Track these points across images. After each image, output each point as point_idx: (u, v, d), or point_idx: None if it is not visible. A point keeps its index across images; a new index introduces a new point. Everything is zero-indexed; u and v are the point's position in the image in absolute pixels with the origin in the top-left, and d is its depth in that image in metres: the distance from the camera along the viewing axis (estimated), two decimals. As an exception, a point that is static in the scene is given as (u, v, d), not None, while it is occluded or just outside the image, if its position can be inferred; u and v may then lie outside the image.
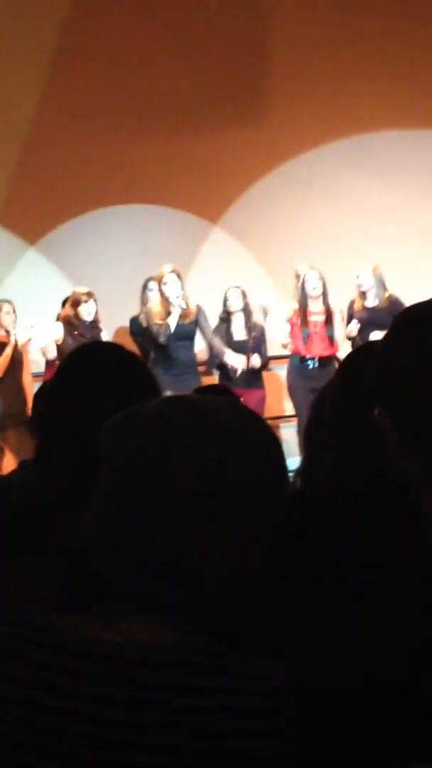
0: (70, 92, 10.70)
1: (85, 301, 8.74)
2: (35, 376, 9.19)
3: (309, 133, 10.95)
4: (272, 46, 10.93)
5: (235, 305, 9.29)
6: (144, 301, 9.49)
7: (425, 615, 1.44)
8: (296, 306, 9.26)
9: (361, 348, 2.06)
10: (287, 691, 1.31)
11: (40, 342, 8.97)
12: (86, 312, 8.72)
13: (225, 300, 9.33)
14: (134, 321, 9.53)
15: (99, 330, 8.79)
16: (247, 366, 9.14)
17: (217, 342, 9.09)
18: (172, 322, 8.80)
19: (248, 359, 9.13)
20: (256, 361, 9.14)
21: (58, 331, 8.87)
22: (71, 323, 8.73)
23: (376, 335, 8.66)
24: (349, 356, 2.04)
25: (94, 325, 8.76)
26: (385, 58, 10.81)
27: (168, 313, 8.82)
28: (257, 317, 9.36)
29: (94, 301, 8.82)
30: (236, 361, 9.07)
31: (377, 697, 1.43)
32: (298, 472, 2.08)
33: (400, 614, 1.45)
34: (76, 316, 8.72)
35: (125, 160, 10.71)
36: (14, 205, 10.79)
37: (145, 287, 9.55)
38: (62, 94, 10.70)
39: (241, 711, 1.28)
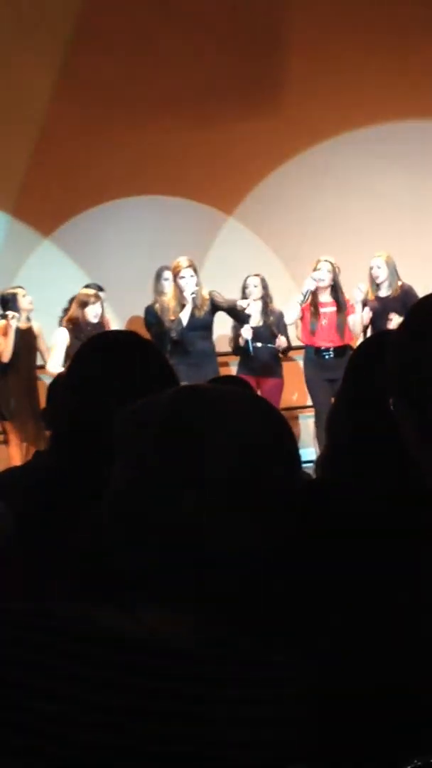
0: (85, 84, 10.70)
1: (93, 303, 8.74)
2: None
3: (324, 124, 10.93)
4: (288, 37, 10.91)
5: (254, 293, 9.28)
6: (158, 290, 9.48)
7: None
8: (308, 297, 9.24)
9: (375, 337, 2.06)
10: (303, 679, 1.31)
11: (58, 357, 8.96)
12: (93, 314, 8.70)
13: (244, 288, 9.32)
14: (149, 311, 9.51)
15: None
16: (277, 346, 9.13)
17: (237, 302, 9.06)
18: (184, 317, 8.80)
19: (273, 341, 9.14)
20: (282, 341, 9.13)
21: (64, 338, 8.86)
22: (77, 325, 8.71)
23: (396, 322, 8.67)
24: (361, 345, 2.04)
25: (101, 326, 8.75)
26: (401, 48, 10.79)
27: (181, 307, 8.82)
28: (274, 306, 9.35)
29: (101, 303, 8.83)
30: (245, 331, 9.06)
31: (393, 689, 1.43)
32: (319, 461, 2.07)
33: (423, 605, 1.44)
34: (83, 317, 8.70)
35: (140, 152, 10.71)
36: (28, 196, 10.80)
37: (158, 276, 9.54)
38: (76, 86, 10.71)
39: (257, 700, 1.28)
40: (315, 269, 9.23)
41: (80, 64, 10.72)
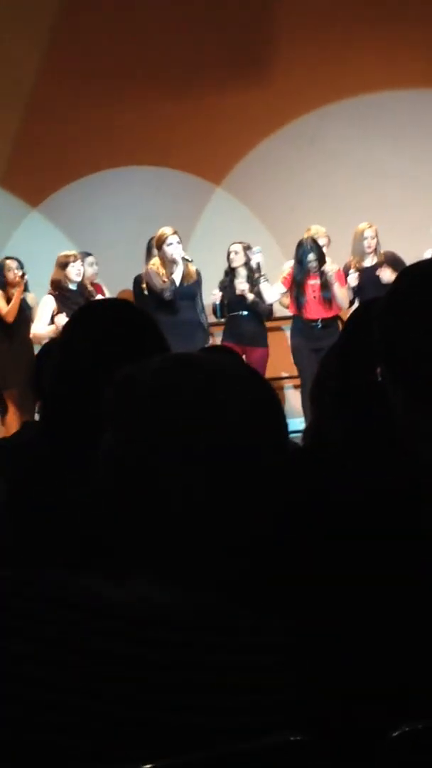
0: (73, 54, 10.64)
1: (73, 262, 8.72)
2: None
3: (313, 94, 10.89)
4: (276, 6, 10.85)
5: (237, 260, 9.29)
6: (147, 262, 9.45)
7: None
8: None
9: (364, 306, 2.06)
10: (297, 647, 1.32)
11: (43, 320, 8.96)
12: (74, 273, 8.69)
13: (228, 254, 9.34)
14: (138, 282, 9.49)
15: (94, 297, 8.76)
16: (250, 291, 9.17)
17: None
18: (177, 277, 8.77)
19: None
20: (265, 288, 9.15)
21: (47, 302, 8.84)
22: (61, 287, 8.70)
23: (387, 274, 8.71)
24: (352, 315, 2.04)
25: (84, 288, 8.72)
26: (390, 18, 10.73)
27: (171, 273, 8.79)
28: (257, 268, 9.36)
29: (83, 262, 8.81)
30: (240, 284, 9.08)
31: (386, 658, 1.43)
32: (307, 430, 2.08)
33: (413, 573, 1.45)
34: (65, 278, 8.69)
35: (128, 122, 10.67)
36: (17, 167, 10.76)
37: (149, 248, 9.51)
38: (64, 56, 10.65)
39: (252, 667, 1.29)
40: (300, 246, 9.19)
41: (68, 36, 10.65)
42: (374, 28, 10.75)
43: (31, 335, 8.94)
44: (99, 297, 8.76)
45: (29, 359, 8.95)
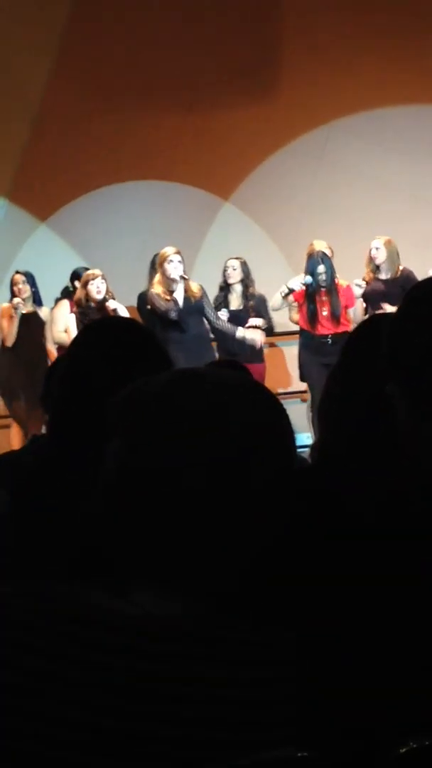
0: (82, 68, 10.68)
1: (92, 279, 8.78)
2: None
3: (321, 109, 10.91)
4: (285, 22, 10.89)
5: (234, 276, 9.29)
6: (152, 278, 9.45)
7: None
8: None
9: (369, 321, 2.06)
10: (298, 661, 1.31)
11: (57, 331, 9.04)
12: (95, 290, 8.74)
13: (224, 270, 9.33)
14: (142, 298, 9.51)
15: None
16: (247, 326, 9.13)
17: (223, 324, 9.06)
18: (179, 296, 8.77)
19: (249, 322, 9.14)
20: (257, 321, 9.10)
21: (64, 313, 8.93)
22: (82, 305, 8.76)
23: (387, 309, 8.66)
24: (357, 330, 2.04)
25: (105, 308, 8.77)
26: (398, 33, 10.76)
27: (171, 291, 8.79)
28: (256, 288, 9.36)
29: (104, 279, 8.85)
30: (253, 336, 9.04)
31: (388, 672, 1.43)
32: (314, 446, 2.07)
33: (418, 588, 1.45)
34: (87, 296, 8.75)
35: (137, 137, 10.70)
36: (25, 181, 10.79)
37: (153, 265, 9.52)
38: (73, 71, 10.69)
39: (252, 681, 1.28)
40: (310, 257, 9.20)
41: (77, 50, 10.69)
42: (381, 43, 10.78)
43: (53, 343, 9.01)
44: (111, 303, 8.82)
45: (38, 372, 8.99)
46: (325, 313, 9.09)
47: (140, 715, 1.25)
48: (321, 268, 9.06)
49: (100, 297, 8.75)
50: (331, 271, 9.08)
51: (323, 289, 9.08)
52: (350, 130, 10.96)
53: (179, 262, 8.81)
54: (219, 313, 9.10)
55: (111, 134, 10.65)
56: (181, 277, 8.77)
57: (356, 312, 9.13)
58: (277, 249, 10.69)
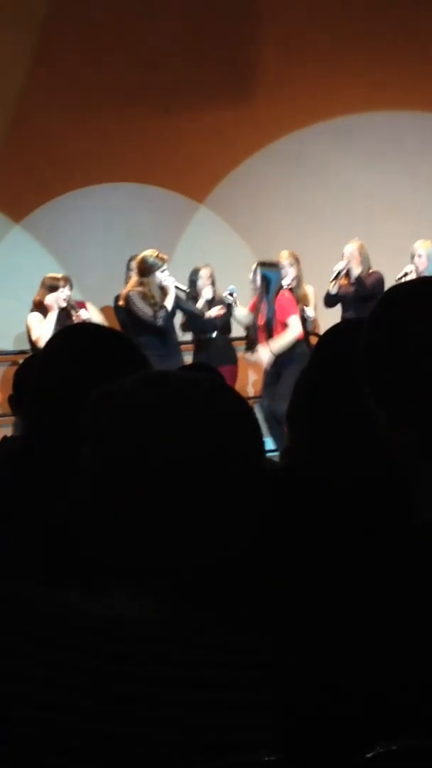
0: (57, 71, 10.65)
1: (62, 287, 8.73)
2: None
3: (295, 114, 10.93)
4: (260, 27, 10.90)
5: (201, 284, 9.35)
6: (128, 280, 9.41)
7: (416, 591, 1.44)
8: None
9: (337, 327, 2.07)
10: (275, 664, 1.32)
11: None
12: (62, 297, 8.66)
13: (190, 278, 9.37)
14: (117, 300, 9.46)
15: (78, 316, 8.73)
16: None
17: (193, 307, 9.12)
18: (169, 304, 8.71)
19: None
20: (265, 359, 9.04)
21: (36, 321, 8.84)
22: (44, 310, 8.69)
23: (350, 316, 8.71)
24: (324, 335, 2.04)
25: (70, 310, 8.70)
26: (376, 39, 10.79)
27: (163, 297, 8.75)
28: (224, 297, 9.38)
29: (70, 287, 8.78)
30: (263, 356, 9.02)
31: (367, 674, 1.44)
32: (284, 450, 2.08)
33: (390, 591, 1.45)
34: (52, 302, 8.66)
35: (112, 138, 10.68)
36: (0, 182, 10.74)
37: (130, 267, 9.49)
38: (49, 74, 10.65)
39: (229, 684, 1.29)
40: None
41: (53, 53, 10.66)
42: (357, 50, 10.81)
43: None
44: (82, 313, 8.75)
45: None
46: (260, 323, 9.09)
47: (113, 717, 1.25)
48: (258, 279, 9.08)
49: (64, 305, 8.66)
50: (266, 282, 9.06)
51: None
52: (326, 136, 10.99)
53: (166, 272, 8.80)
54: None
55: (86, 136, 10.62)
56: (178, 288, 8.76)
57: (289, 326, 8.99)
58: (252, 252, 10.69)
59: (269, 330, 8.94)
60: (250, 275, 9.11)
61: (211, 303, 9.37)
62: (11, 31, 10.53)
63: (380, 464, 1.61)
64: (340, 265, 9.32)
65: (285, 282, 9.05)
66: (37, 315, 8.75)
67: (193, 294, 9.31)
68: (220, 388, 1.44)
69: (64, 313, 8.66)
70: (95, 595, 1.33)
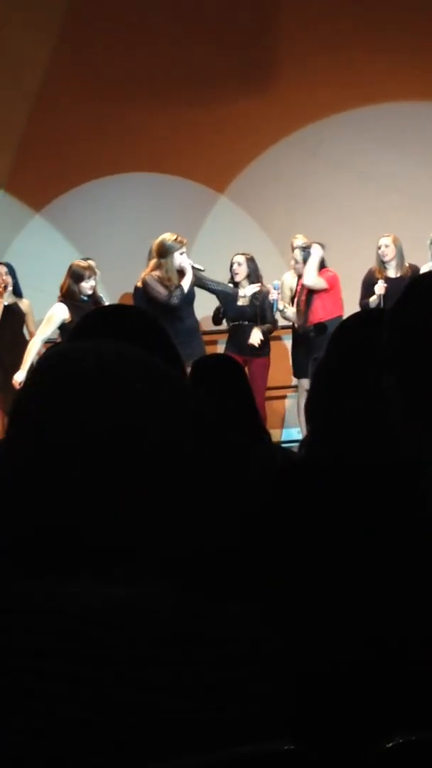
0: (79, 61, 10.66)
1: (88, 277, 8.69)
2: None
3: (317, 104, 10.90)
4: (281, 17, 10.87)
5: (241, 272, 9.25)
6: (152, 265, 9.37)
7: (425, 588, 1.44)
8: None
9: (355, 317, 2.05)
10: (277, 656, 1.31)
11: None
12: (88, 287, 8.64)
13: (231, 265, 9.30)
14: (138, 290, 9.44)
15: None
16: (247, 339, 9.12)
17: (224, 286, 9.02)
18: (186, 284, 8.63)
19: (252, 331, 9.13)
20: (255, 338, 9.09)
21: (63, 314, 8.82)
22: (73, 297, 8.65)
23: None
24: (342, 325, 2.03)
25: (94, 301, 8.70)
26: (394, 29, 10.76)
27: (181, 277, 8.69)
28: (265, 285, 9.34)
29: (95, 276, 8.77)
30: (255, 338, 9.06)
31: (372, 666, 1.43)
32: (303, 442, 2.08)
33: (396, 585, 1.45)
34: (79, 290, 8.64)
35: (133, 129, 10.68)
36: (21, 172, 10.77)
37: (160, 252, 9.44)
38: (70, 63, 10.67)
39: (218, 660, 1.28)
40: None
41: (74, 42, 10.67)
42: (378, 40, 10.77)
43: (37, 340, 8.87)
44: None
45: (16, 361, 8.94)
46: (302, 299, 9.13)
47: (104, 701, 1.24)
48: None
49: (90, 293, 8.63)
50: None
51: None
52: (345, 126, 10.96)
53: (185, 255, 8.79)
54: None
55: (107, 126, 10.63)
56: (194, 267, 8.66)
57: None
58: (271, 243, 10.68)
59: (309, 309, 9.02)
60: (296, 251, 9.10)
61: (252, 296, 9.31)
62: (35, 21, 10.54)
63: (391, 457, 1.60)
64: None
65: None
66: (62, 306, 8.73)
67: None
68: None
69: (90, 303, 8.63)
70: (89, 586, 1.31)
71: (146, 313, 2.22)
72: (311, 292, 9.04)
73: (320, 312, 8.99)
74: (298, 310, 9.15)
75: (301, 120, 11.00)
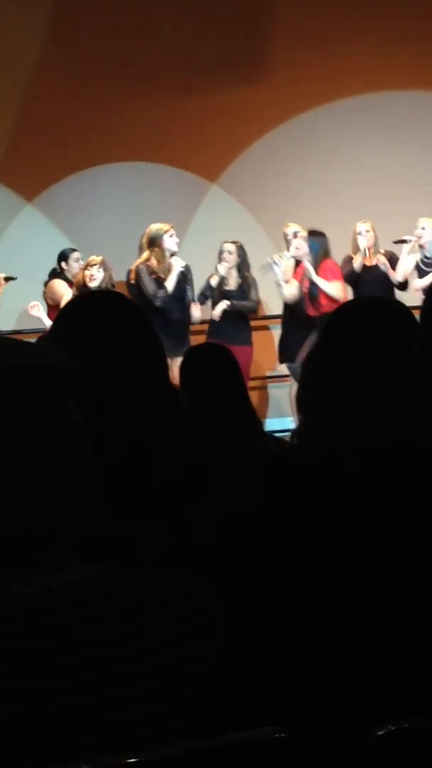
0: (69, 50, 10.65)
1: (91, 265, 8.86)
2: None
3: (309, 93, 10.89)
4: (274, 6, 10.86)
5: (231, 260, 9.29)
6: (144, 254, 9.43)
7: (419, 575, 1.44)
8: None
9: (343, 309, 2.05)
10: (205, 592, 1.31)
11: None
12: (89, 276, 8.82)
13: (220, 253, 9.34)
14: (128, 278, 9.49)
15: None
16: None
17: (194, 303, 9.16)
18: (170, 285, 8.76)
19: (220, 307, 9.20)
20: (217, 310, 9.10)
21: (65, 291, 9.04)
22: (80, 287, 8.84)
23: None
24: (331, 318, 2.03)
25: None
26: (386, 18, 10.75)
27: (167, 271, 8.79)
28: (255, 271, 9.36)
29: (101, 267, 8.87)
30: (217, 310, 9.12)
31: (370, 645, 1.43)
32: (295, 432, 2.08)
33: (391, 572, 1.45)
34: (83, 280, 8.83)
35: (125, 118, 10.67)
36: (12, 161, 10.75)
37: (150, 241, 9.47)
38: (61, 53, 10.65)
39: (172, 637, 1.28)
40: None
41: (65, 31, 10.66)
42: (372, 28, 10.75)
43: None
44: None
45: None
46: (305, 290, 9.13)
47: (56, 691, 1.24)
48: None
49: (92, 284, 8.77)
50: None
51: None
52: (338, 115, 10.95)
53: (174, 237, 8.87)
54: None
55: (98, 115, 10.62)
56: (180, 268, 8.81)
57: (335, 289, 9.03)
58: (264, 232, 10.68)
59: (312, 296, 8.99)
60: (298, 242, 9.11)
61: (240, 277, 9.33)
62: (26, 8, 10.51)
63: (389, 442, 1.60)
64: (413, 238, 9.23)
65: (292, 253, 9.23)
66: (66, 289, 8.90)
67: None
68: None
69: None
70: (23, 575, 1.29)
71: (128, 303, 2.20)
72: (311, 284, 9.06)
73: (328, 302, 8.97)
74: (300, 296, 9.13)
75: (293, 109, 10.99)
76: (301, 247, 9.14)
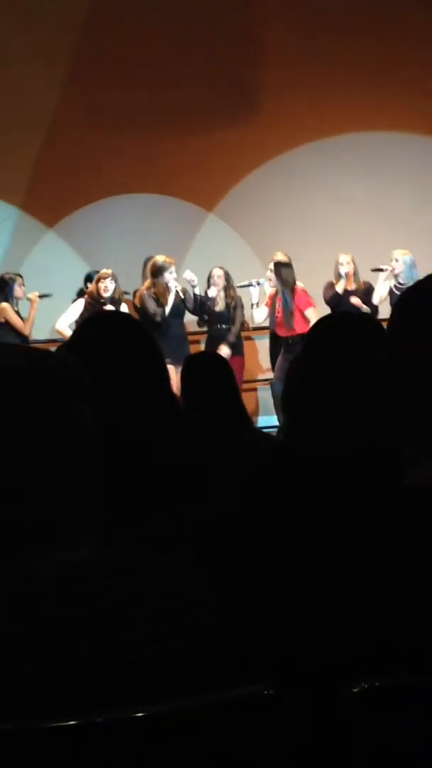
0: (85, 92, 10.69)
1: (104, 278, 8.98)
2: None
3: (297, 132, 10.91)
4: (266, 51, 10.88)
5: (219, 283, 9.39)
6: (144, 279, 9.48)
7: (399, 549, 1.40)
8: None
9: (324, 320, 2.04)
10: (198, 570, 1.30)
11: (68, 319, 9.10)
12: (103, 287, 8.93)
13: (209, 278, 9.40)
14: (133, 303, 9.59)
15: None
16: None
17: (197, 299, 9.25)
18: (168, 305, 8.93)
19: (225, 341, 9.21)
20: (225, 351, 8.98)
21: (78, 305, 9.12)
22: (93, 298, 8.91)
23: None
24: (314, 328, 2.02)
25: (115, 301, 8.94)
26: (373, 64, 10.75)
27: (166, 296, 8.98)
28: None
29: (114, 279, 8.95)
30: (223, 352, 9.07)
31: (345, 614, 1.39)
32: (281, 428, 2.08)
33: (375, 549, 1.42)
34: (97, 292, 8.92)
35: (134, 153, 10.69)
36: (36, 193, 10.79)
37: (152, 270, 9.49)
38: (78, 97, 10.69)
39: (157, 603, 1.24)
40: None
41: (82, 75, 10.72)
42: (354, 74, 10.76)
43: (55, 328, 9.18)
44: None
45: None
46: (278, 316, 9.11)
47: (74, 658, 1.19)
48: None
49: (106, 295, 8.91)
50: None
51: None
52: (322, 152, 10.95)
53: (174, 272, 9.01)
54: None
55: (111, 151, 10.64)
56: (178, 293, 8.93)
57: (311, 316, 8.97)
58: (256, 257, 10.68)
59: (286, 320, 8.98)
60: (267, 273, 9.14)
61: (226, 301, 9.38)
62: (48, 54, 10.56)
63: (369, 440, 1.58)
64: (388, 267, 9.19)
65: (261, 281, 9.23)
66: (80, 302, 8.94)
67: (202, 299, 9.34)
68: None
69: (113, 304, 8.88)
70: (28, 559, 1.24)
71: (133, 321, 2.25)
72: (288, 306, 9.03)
73: (303, 324, 8.95)
74: (272, 319, 9.12)
75: (282, 147, 11.00)
76: (272, 277, 9.14)
